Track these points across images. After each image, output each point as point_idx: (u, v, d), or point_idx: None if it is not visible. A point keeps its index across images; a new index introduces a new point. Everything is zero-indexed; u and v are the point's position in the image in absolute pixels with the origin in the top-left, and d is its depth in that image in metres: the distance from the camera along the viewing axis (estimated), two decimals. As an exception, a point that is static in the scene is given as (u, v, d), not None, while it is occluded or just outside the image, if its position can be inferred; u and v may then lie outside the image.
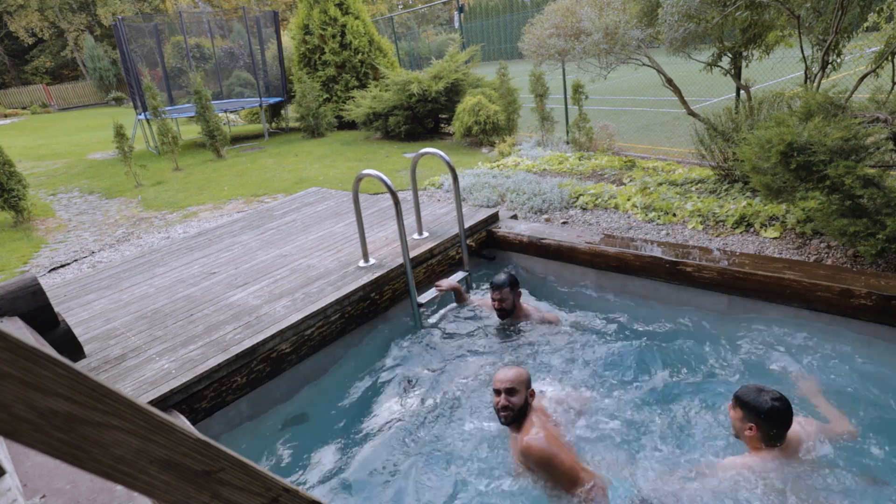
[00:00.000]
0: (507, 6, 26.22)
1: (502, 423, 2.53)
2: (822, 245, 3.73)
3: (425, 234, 4.41)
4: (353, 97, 11.29)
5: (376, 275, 3.76)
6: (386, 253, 4.11)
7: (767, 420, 2.20)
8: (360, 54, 11.98)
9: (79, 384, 0.58)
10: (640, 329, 3.51)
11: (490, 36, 24.35)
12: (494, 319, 3.69)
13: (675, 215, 4.52)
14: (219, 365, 2.92)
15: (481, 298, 4.01)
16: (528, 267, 4.49)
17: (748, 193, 4.61)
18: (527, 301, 3.81)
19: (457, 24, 13.22)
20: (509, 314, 3.57)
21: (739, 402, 2.28)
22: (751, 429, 2.24)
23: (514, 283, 3.56)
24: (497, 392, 2.49)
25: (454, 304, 4.00)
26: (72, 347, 3.02)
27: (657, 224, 4.48)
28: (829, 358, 2.99)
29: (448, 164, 3.83)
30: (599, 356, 3.26)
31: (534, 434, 2.37)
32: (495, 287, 3.54)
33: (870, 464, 2.35)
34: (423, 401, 3.07)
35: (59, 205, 8.21)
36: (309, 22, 12.01)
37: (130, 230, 6.45)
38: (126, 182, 8.99)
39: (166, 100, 13.09)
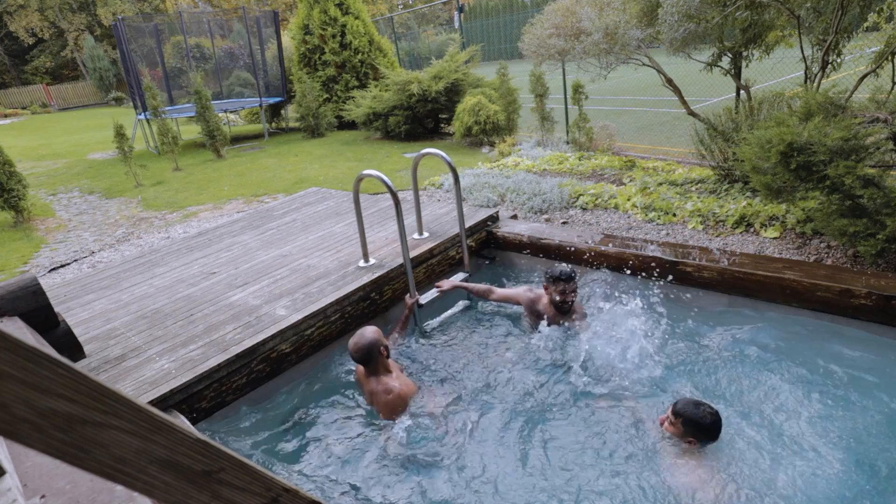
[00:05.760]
0: (507, 6, 26.21)
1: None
2: (822, 245, 3.73)
3: (425, 234, 4.41)
4: (353, 97, 11.29)
5: (376, 275, 3.76)
6: (386, 253, 4.11)
7: (705, 433, 2.38)
8: (360, 54, 11.98)
9: (79, 384, 0.58)
10: (640, 329, 3.50)
11: (490, 36, 24.34)
12: (496, 318, 3.69)
13: (675, 215, 4.52)
14: (219, 365, 2.92)
15: (510, 290, 3.76)
16: (529, 267, 4.49)
17: (748, 193, 4.61)
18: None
19: (457, 24, 13.22)
20: (570, 309, 3.34)
21: (681, 416, 2.41)
22: (691, 442, 2.41)
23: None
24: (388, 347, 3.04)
25: (462, 303, 4.00)
26: (72, 347, 3.02)
27: (657, 224, 4.47)
28: (827, 359, 2.99)
29: (449, 164, 3.82)
30: (599, 356, 3.26)
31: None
32: (566, 279, 3.25)
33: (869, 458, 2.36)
34: (423, 401, 3.07)
35: (59, 205, 8.21)
36: (309, 22, 12.01)
37: (130, 230, 6.45)
38: (126, 182, 8.99)
39: (166, 100, 13.09)
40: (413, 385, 3.06)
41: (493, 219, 4.77)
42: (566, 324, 3.39)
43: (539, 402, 2.97)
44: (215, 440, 0.73)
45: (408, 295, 3.67)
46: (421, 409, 2.94)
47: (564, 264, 3.40)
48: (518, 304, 3.67)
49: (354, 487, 2.59)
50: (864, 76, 3.96)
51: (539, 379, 3.13)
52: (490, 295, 3.79)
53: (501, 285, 4.32)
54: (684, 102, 5.65)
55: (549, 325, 3.43)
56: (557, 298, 3.32)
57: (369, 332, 3.00)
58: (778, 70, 6.15)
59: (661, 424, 2.55)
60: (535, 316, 3.52)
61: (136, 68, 12.32)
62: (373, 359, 2.96)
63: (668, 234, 4.29)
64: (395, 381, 2.98)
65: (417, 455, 2.69)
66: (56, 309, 2.97)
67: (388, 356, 3.03)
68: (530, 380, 3.13)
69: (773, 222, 4.09)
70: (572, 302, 3.34)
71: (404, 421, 2.85)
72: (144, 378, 2.84)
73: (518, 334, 3.58)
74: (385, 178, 3.39)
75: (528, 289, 3.66)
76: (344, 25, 11.84)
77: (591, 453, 2.61)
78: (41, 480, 1.65)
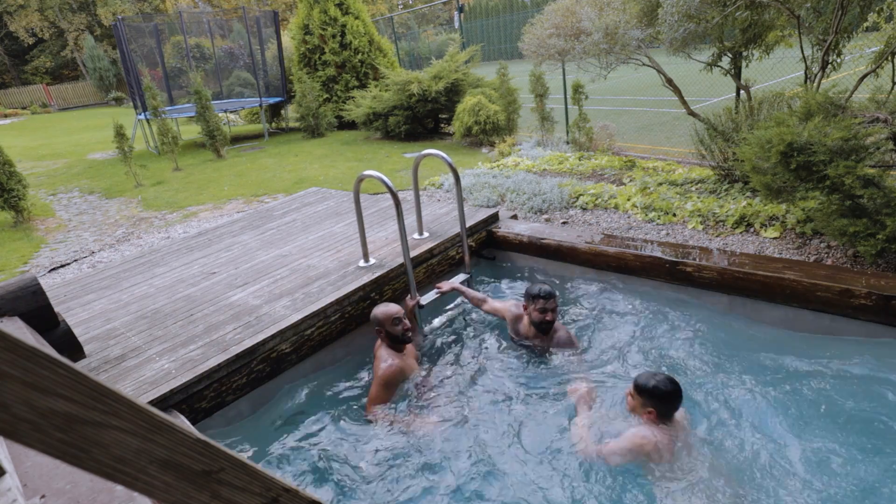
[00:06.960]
0: (507, 6, 26.22)
1: (408, 340, 3.20)
2: (822, 245, 3.73)
3: (425, 234, 4.41)
4: (353, 97, 11.29)
5: (376, 275, 3.76)
6: (386, 253, 4.11)
7: (662, 402, 2.45)
8: (360, 54, 11.99)
9: (79, 384, 0.58)
10: (640, 329, 3.50)
11: (490, 36, 24.35)
12: (496, 321, 3.69)
13: (675, 215, 4.52)
14: (219, 365, 2.92)
15: (500, 303, 3.67)
16: (528, 267, 4.49)
17: (748, 193, 4.61)
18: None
19: (457, 24, 13.22)
20: (550, 328, 3.24)
21: (639, 389, 2.50)
22: (650, 412, 2.47)
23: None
24: (398, 320, 3.13)
25: (457, 303, 3.99)
26: (72, 347, 3.02)
27: (657, 224, 4.47)
28: (827, 359, 2.99)
29: (450, 165, 3.82)
30: (599, 359, 3.26)
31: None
32: (545, 296, 3.15)
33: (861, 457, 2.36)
34: (423, 400, 3.07)
35: (59, 205, 8.21)
36: (309, 22, 12.01)
37: (130, 230, 6.45)
38: (126, 182, 8.99)
39: (166, 100, 13.09)
40: (402, 370, 3.13)
41: (493, 219, 4.77)
42: (547, 345, 3.29)
43: (527, 409, 2.96)
44: (215, 440, 0.73)
45: (408, 296, 3.67)
46: (416, 388, 3.01)
47: (540, 285, 3.26)
48: (504, 318, 3.57)
49: (354, 487, 2.59)
50: (864, 76, 3.96)
51: (530, 390, 3.09)
52: (483, 305, 3.71)
53: (500, 287, 4.32)
54: (684, 102, 5.65)
55: (529, 344, 3.34)
56: (536, 317, 3.20)
57: (383, 312, 3.16)
58: (778, 70, 6.15)
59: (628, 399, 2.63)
60: (516, 333, 3.44)
61: (136, 68, 12.32)
62: (374, 330, 3.22)
63: (668, 234, 4.29)
64: (391, 358, 3.12)
65: (417, 454, 2.69)
66: (56, 309, 2.97)
67: (388, 340, 3.17)
68: (522, 390, 3.08)
69: (773, 222, 4.09)
70: (552, 321, 3.21)
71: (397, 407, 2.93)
72: (144, 378, 2.84)
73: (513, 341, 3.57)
74: (385, 179, 3.39)
75: (516, 303, 3.53)
76: (344, 25, 11.84)
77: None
78: (41, 480, 1.65)
